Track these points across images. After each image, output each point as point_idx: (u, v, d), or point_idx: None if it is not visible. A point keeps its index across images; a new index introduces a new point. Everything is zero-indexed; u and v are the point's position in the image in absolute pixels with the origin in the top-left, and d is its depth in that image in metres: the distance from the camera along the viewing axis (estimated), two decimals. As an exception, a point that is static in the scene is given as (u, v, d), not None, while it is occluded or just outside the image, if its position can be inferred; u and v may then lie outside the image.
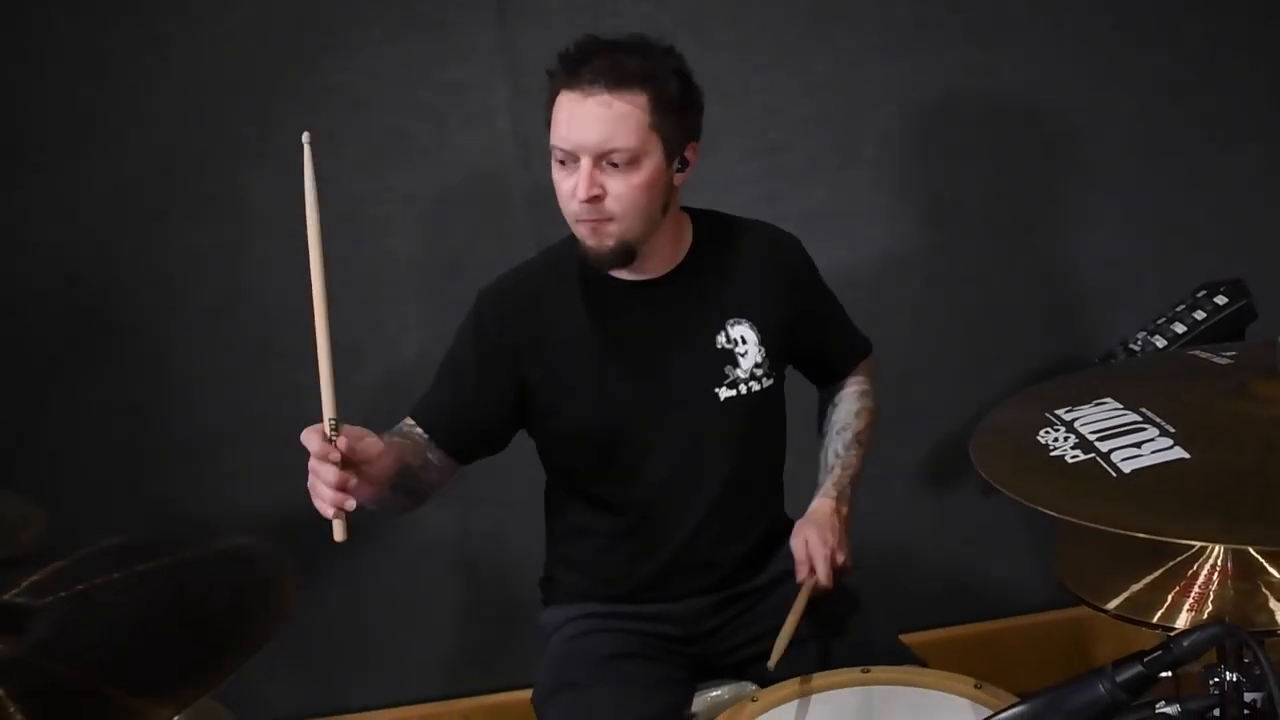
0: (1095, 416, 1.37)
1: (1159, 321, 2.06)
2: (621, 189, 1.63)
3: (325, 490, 1.48)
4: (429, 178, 2.39)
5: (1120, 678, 1.15)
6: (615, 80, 1.60)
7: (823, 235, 1.95)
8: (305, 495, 2.42)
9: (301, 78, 2.30)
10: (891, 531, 2.58)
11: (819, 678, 1.59)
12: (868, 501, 2.54)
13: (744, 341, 1.78)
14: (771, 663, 1.59)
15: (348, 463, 1.48)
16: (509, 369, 1.77)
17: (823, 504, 1.85)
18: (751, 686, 1.81)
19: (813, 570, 1.74)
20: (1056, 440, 1.35)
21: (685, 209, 1.81)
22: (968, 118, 2.41)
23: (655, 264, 1.76)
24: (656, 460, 1.79)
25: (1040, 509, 1.25)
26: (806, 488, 1.89)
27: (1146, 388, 1.41)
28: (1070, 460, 1.30)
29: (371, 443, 1.53)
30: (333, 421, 1.47)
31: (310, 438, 1.49)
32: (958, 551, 2.62)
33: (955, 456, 2.53)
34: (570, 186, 1.64)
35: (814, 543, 1.76)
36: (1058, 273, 2.50)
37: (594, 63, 1.61)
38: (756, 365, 1.78)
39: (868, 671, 1.59)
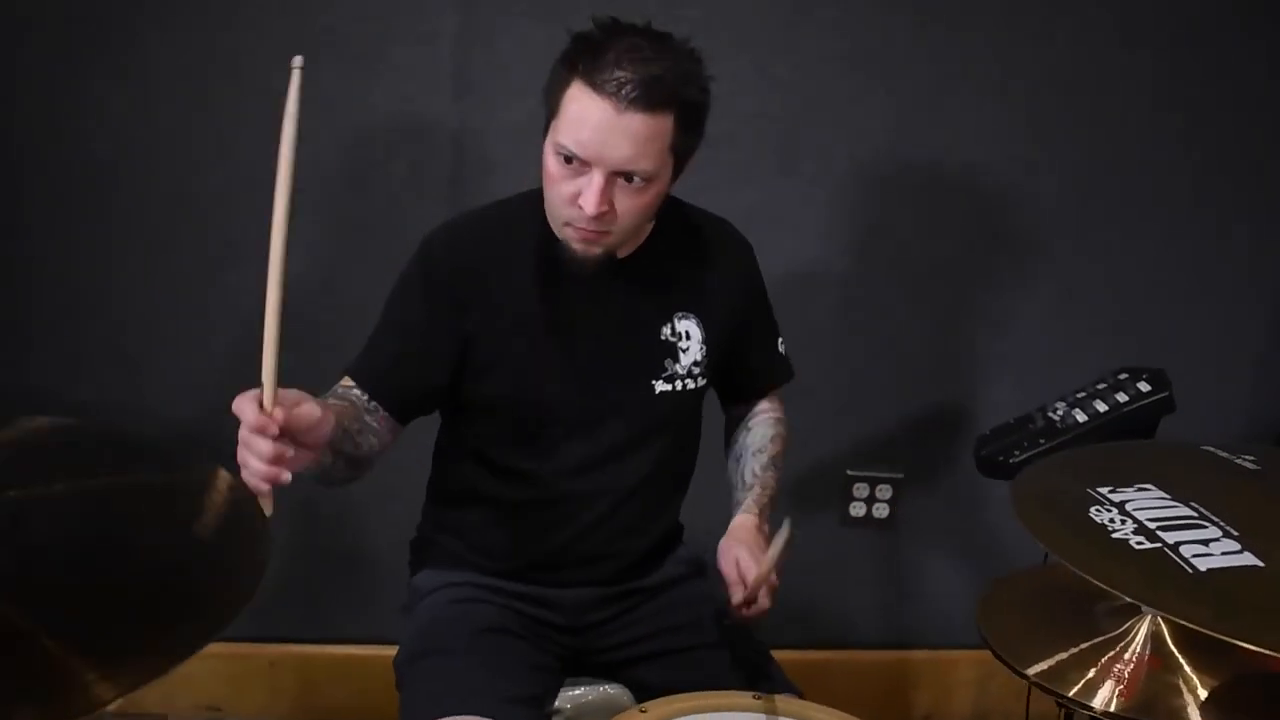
0: (1145, 502, 1.36)
1: (1079, 395, 2.09)
2: (627, 206, 1.54)
3: (259, 465, 1.28)
4: (353, 87, 2.17)
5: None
6: (649, 99, 1.47)
7: (747, 237, 1.88)
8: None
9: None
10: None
11: (710, 696, 1.56)
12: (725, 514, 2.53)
13: (688, 337, 1.73)
14: None
15: (284, 433, 1.30)
16: (454, 318, 1.65)
17: (745, 520, 1.78)
18: (616, 689, 1.77)
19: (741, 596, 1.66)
20: (1113, 522, 1.33)
21: None
22: (910, 157, 2.40)
23: None
24: (578, 442, 1.71)
25: (1119, 593, 1.22)
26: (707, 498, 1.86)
27: (1184, 480, 1.41)
28: (1136, 546, 1.28)
29: (309, 409, 1.35)
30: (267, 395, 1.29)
31: (244, 407, 1.29)
32: (809, 577, 2.60)
33: (823, 483, 2.55)
34: (571, 191, 1.53)
35: (746, 562, 1.68)
36: (965, 325, 2.52)
37: (625, 68, 1.46)
38: (695, 363, 1.74)
39: (759, 699, 1.56)
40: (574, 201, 1.52)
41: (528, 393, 1.68)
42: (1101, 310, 2.49)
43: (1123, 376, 2.09)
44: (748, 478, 1.84)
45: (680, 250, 1.75)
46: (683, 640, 1.77)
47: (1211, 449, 1.52)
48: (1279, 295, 2.52)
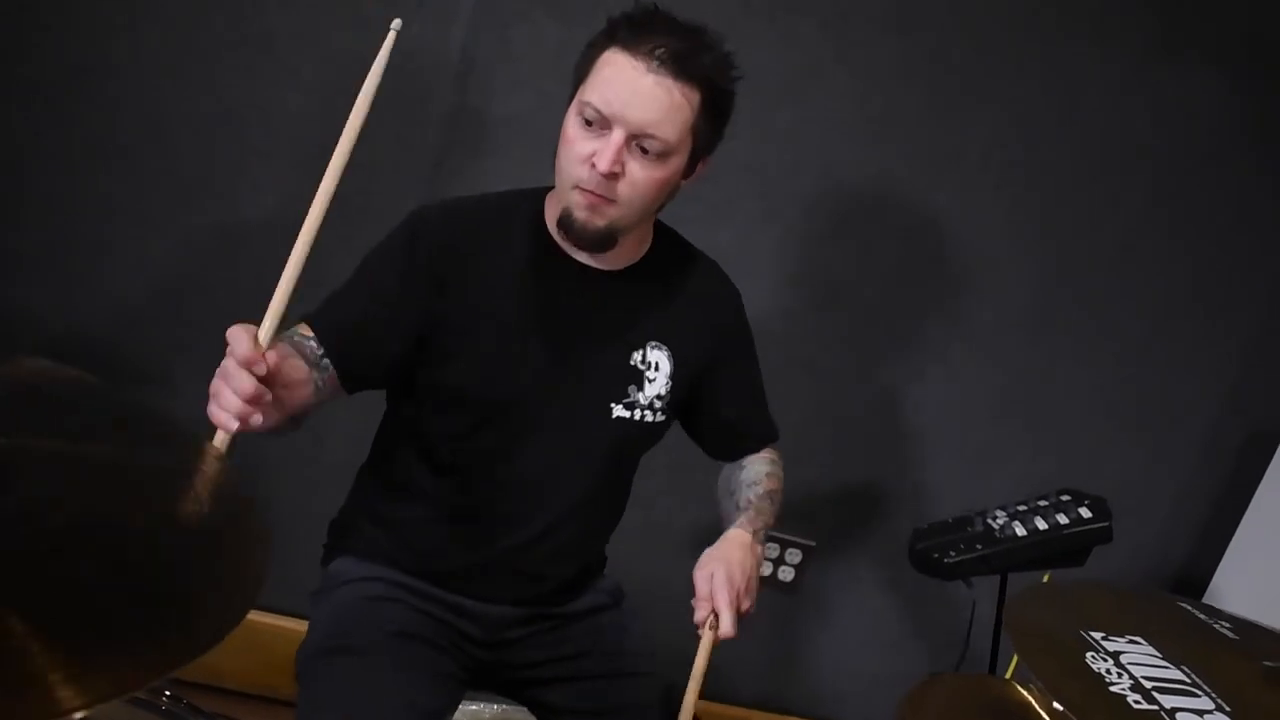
0: (1139, 658, 1.34)
1: (1020, 508, 2.11)
2: (639, 176, 1.52)
3: (234, 400, 1.24)
4: (356, 47, 2.03)
5: None
6: (681, 67, 1.48)
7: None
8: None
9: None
10: (650, 587, 2.48)
11: None
12: (640, 546, 2.47)
13: (656, 368, 1.71)
14: None
15: (270, 379, 1.28)
16: (427, 296, 1.59)
17: (738, 534, 1.72)
18: (516, 709, 1.76)
19: (716, 616, 1.60)
20: (1109, 673, 1.30)
21: None
22: (891, 229, 2.38)
23: (610, 257, 1.64)
24: (527, 451, 1.67)
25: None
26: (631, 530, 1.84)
27: (1173, 639, 1.40)
28: (1134, 705, 1.26)
29: (297, 366, 1.38)
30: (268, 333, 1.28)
31: (239, 337, 1.27)
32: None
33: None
34: (587, 151, 1.51)
35: (719, 580, 1.61)
36: (908, 408, 2.51)
37: (661, 38, 1.48)
38: (658, 396, 1.71)
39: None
40: (587, 160, 1.50)
41: (485, 389, 1.63)
42: (1042, 423, 2.51)
43: (1065, 498, 2.11)
44: (742, 504, 1.79)
45: (669, 280, 1.73)
46: (591, 666, 1.75)
47: (1188, 606, 1.53)
48: (1209, 447, 2.57)
